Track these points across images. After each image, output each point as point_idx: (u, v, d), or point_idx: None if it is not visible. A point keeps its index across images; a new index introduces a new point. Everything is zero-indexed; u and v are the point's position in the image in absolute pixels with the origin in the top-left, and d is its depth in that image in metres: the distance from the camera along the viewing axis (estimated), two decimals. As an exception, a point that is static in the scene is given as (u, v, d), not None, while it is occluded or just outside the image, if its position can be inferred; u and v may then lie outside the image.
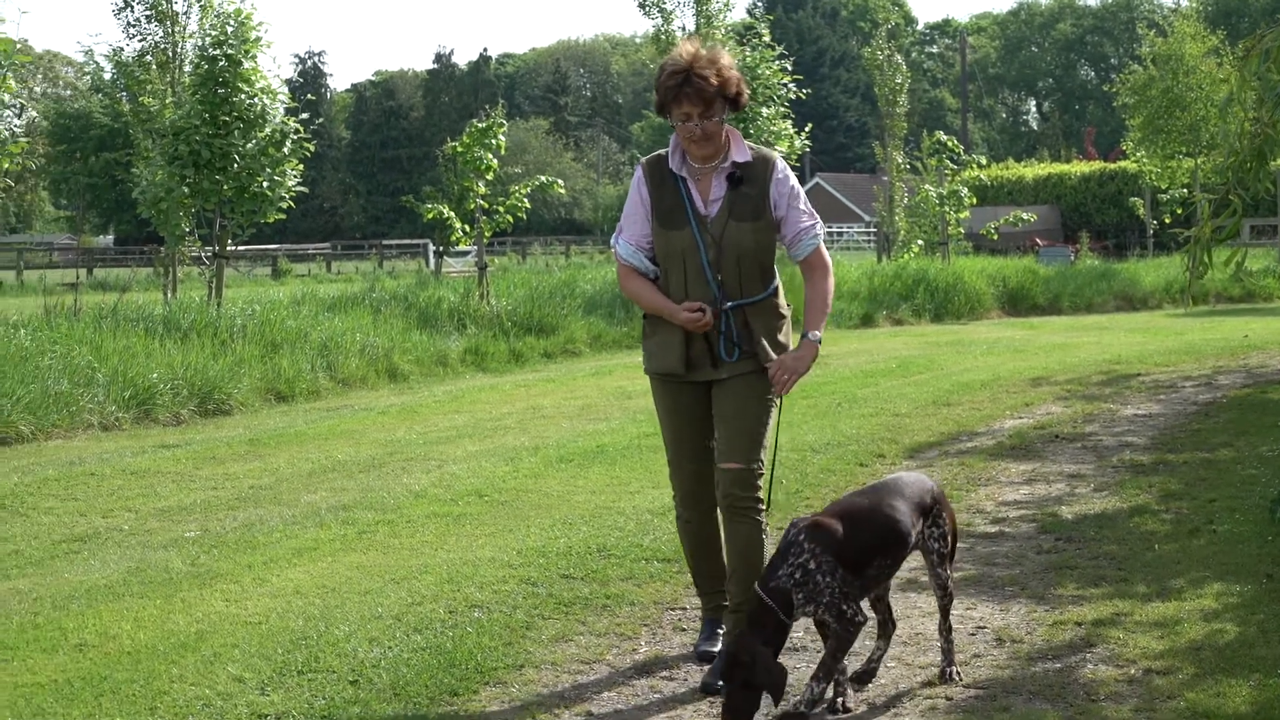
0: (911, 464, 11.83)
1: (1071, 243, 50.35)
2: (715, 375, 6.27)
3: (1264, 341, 21.96)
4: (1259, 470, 10.81)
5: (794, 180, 6.38)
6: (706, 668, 6.36)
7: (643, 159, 6.57)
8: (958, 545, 6.70)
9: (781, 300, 6.47)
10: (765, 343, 6.25)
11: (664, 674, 6.55)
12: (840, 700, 6.02)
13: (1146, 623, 7.14)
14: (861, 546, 5.94)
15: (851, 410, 15.03)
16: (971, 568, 8.44)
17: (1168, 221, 40.19)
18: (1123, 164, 54.99)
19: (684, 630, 7.25)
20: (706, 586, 6.68)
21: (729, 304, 6.22)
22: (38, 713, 6.18)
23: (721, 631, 6.61)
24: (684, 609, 7.62)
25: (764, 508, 6.35)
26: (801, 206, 6.35)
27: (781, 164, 6.37)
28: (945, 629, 6.45)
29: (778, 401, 6.38)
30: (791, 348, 6.37)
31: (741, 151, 6.26)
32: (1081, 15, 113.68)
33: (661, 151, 6.42)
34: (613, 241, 6.61)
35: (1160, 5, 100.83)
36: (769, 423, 6.34)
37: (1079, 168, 65.59)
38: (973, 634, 7.12)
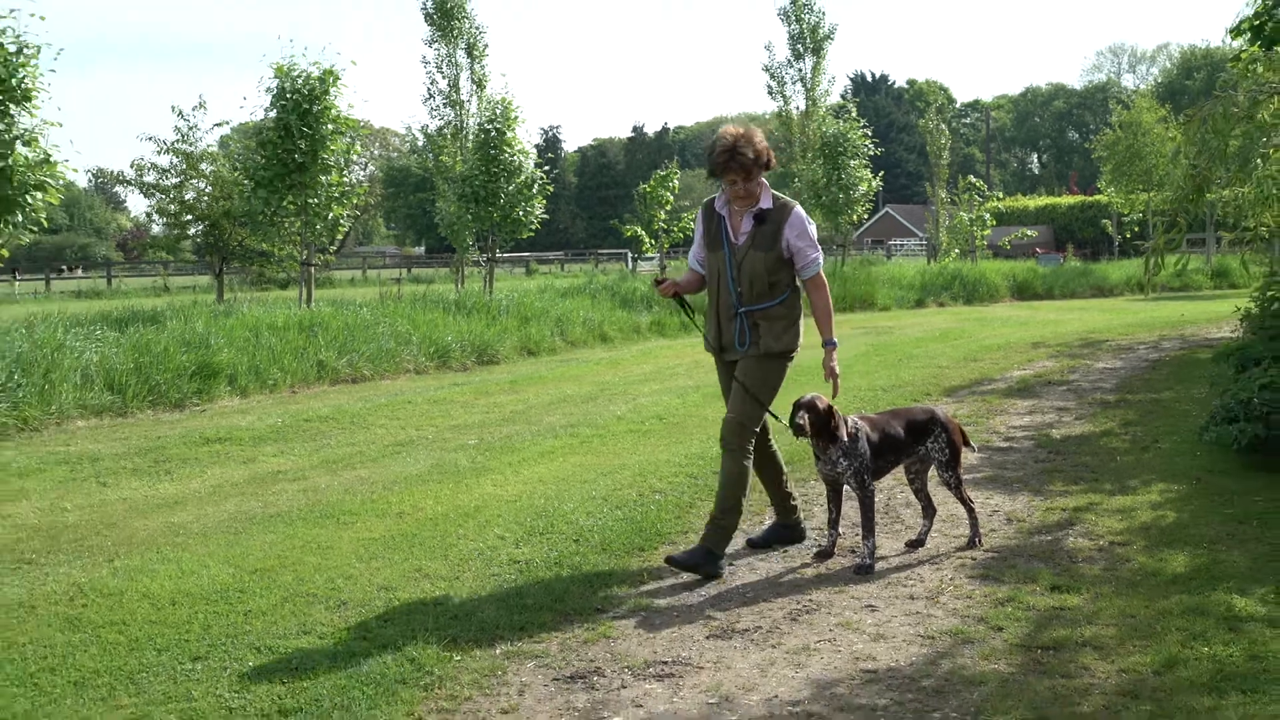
0: (949, 401, 11.64)
1: (1061, 251, 49.50)
2: (735, 357, 6.12)
3: (1195, 318, 21.55)
4: (1191, 407, 10.53)
5: (805, 224, 6.04)
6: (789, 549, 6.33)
7: (704, 201, 6.40)
8: (976, 453, 6.60)
9: (787, 309, 6.08)
10: (767, 338, 6.03)
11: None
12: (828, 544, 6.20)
13: (1111, 510, 6.96)
14: (876, 446, 6.03)
15: (908, 363, 14.85)
16: (990, 470, 8.28)
17: (1127, 236, 39.83)
18: (1097, 197, 53.91)
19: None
20: (774, 503, 6.51)
21: (742, 308, 6.03)
22: (373, 556, 6.28)
23: (781, 527, 6.48)
24: (796, 494, 7.55)
25: (749, 449, 6.05)
26: (807, 243, 6.03)
27: (796, 212, 6.06)
28: (970, 512, 6.37)
29: (778, 382, 6.12)
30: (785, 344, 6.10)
31: (767, 200, 6.05)
32: (1070, 95, 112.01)
33: (713, 196, 6.27)
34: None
35: (1125, 89, 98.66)
36: (762, 391, 6.01)
37: (1067, 200, 64.99)
38: (990, 515, 6.98)
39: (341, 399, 12.85)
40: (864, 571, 5.86)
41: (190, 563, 6.21)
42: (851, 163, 30.09)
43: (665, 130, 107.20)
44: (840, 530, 6.26)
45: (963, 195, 37.91)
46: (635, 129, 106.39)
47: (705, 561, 5.90)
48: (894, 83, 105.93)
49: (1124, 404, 11.20)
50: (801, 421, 5.81)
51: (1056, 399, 11.66)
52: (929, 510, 6.46)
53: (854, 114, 31.60)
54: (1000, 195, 46.89)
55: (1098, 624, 4.98)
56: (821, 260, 6.14)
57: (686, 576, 5.87)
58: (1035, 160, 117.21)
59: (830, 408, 5.89)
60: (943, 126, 40.64)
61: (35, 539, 6.87)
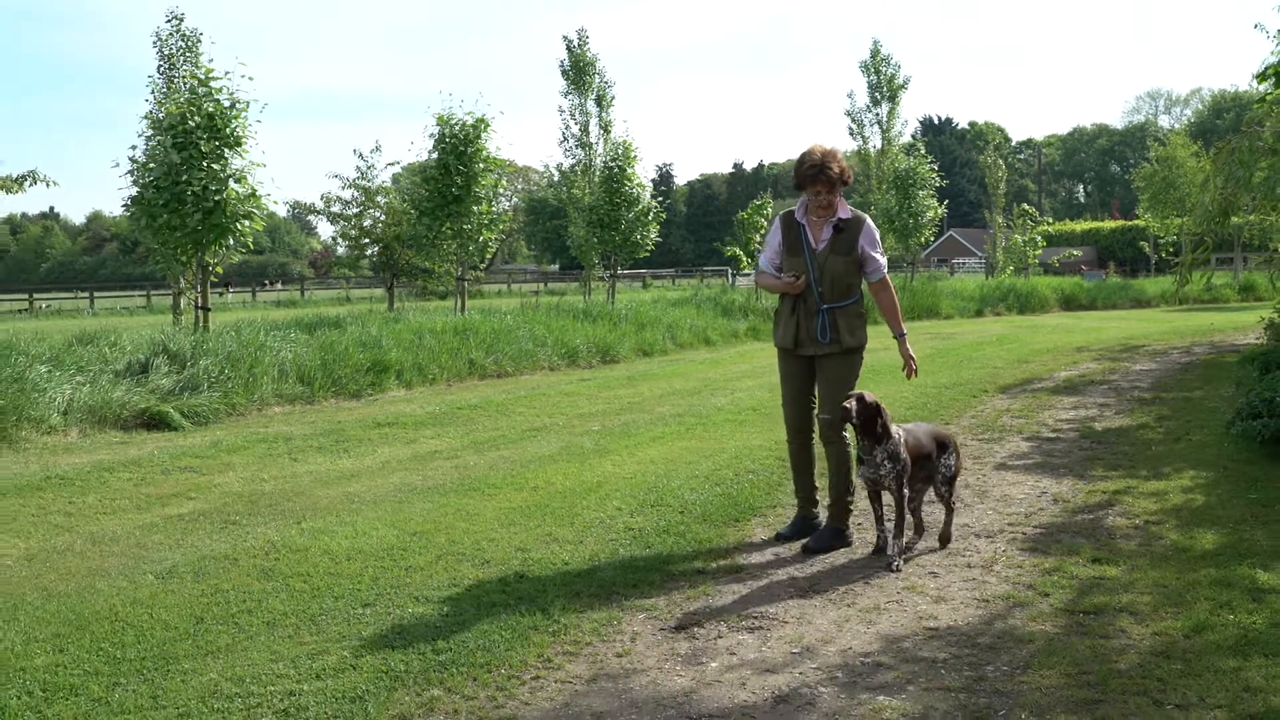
0: (1003, 398, 11.34)
1: (1104, 268, 48.10)
2: (815, 351, 5.84)
3: (1223, 327, 20.72)
4: (1219, 404, 10.10)
5: (875, 234, 5.88)
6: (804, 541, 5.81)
7: (781, 212, 6.18)
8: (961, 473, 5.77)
9: (859, 308, 5.89)
10: (845, 333, 5.80)
11: (855, 514, 6.36)
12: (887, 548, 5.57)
13: (1146, 493, 6.70)
14: (913, 452, 5.60)
15: (968, 365, 14.51)
16: (1039, 458, 8.04)
17: (1163, 255, 38.57)
18: (1136, 221, 52.29)
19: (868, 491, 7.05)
20: (800, 494, 6.04)
21: (824, 305, 5.77)
22: (511, 522, 6.32)
23: (803, 521, 6.01)
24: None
25: (845, 435, 5.80)
26: (877, 252, 5.86)
27: (868, 223, 5.88)
28: (949, 513, 5.80)
29: (858, 373, 5.89)
30: (865, 340, 5.91)
31: (845, 211, 5.85)
32: (1112, 134, 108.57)
33: (792, 207, 6.01)
34: (760, 259, 6.24)
35: (1161, 128, 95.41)
36: (849, 385, 5.77)
37: (1109, 224, 63.08)
38: (1039, 496, 6.77)
39: (488, 391, 12.98)
40: (891, 570, 5.32)
41: (363, 525, 6.31)
42: (920, 193, 29.74)
43: (761, 166, 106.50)
44: (897, 538, 5.53)
45: (1017, 220, 37.11)
46: (735, 165, 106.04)
47: (836, 538, 5.78)
48: (957, 124, 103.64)
49: (1159, 401, 10.79)
50: (849, 406, 5.38)
51: (1098, 396, 11.29)
52: (920, 528, 5.88)
53: (923, 151, 31.15)
54: (1050, 220, 45.70)
55: (1134, 592, 4.79)
56: (886, 265, 5.99)
57: (774, 543, 5.80)
58: (1081, 190, 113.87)
59: (878, 405, 5.45)
60: (999, 161, 39.75)
61: (239, 504, 7.06)
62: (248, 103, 13.90)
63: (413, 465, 8.27)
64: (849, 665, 4.11)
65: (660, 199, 24.33)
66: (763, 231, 25.97)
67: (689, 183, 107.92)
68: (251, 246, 14.53)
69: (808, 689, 3.90)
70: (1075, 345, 17.41)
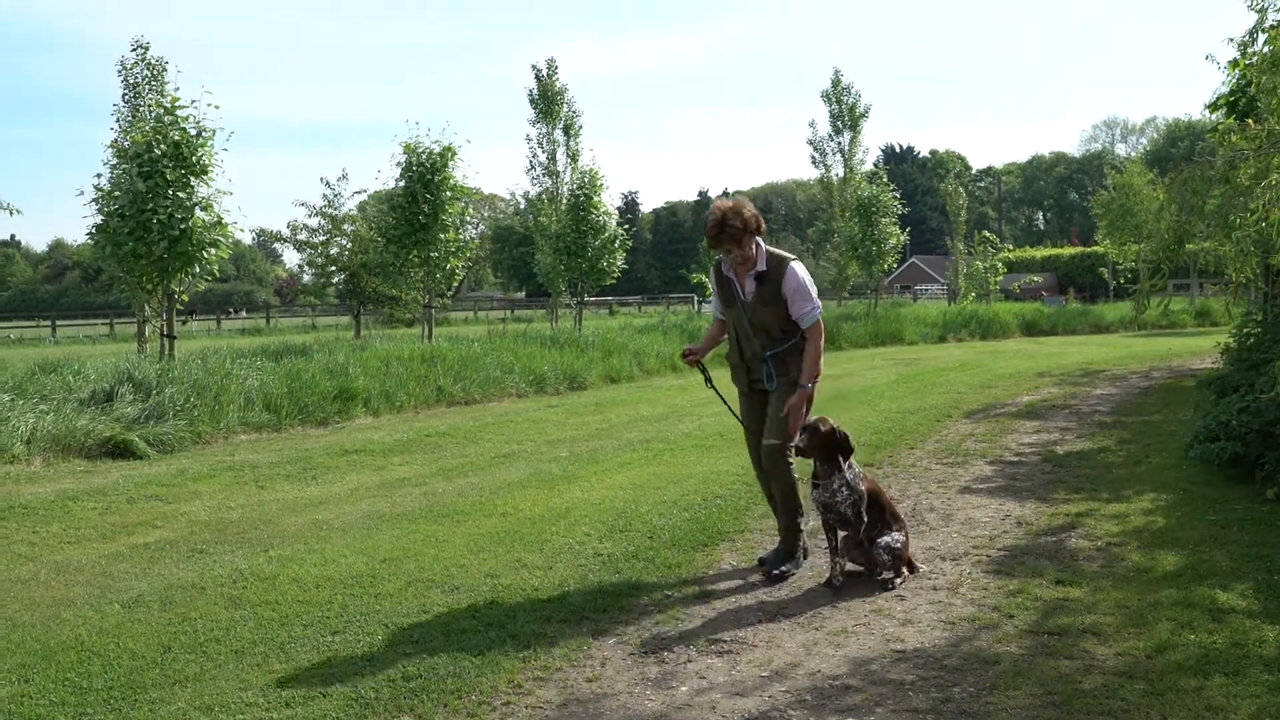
0: (967, 422, 11.45)
1: (1064, 294, 48.69)
2: (768, 387, 5.74)
3: (1181, 352, 21.06)
4: (1177, 428, 10.25)
5: (800, 277, 5.60)
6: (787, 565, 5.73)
7: (713, 264, 6.02)
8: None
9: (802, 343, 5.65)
10: (793, 370, 5.65)
11: (822, 538, 6.39)
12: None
13: (1108, 515, 6.79)
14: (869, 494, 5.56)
15: (931, 389, 14.63)
16: (1002, 481, 8.12)
17: (1121, 281, 38.99)
18: (1095, 248, 52.98)
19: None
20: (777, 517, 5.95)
21: (767, 353, 5.67)
22: (480, 549, 6.29)
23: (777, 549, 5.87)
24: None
25: (788, 463, 5.67)
26: (802, 297, 5.57)
27: (790, 269, 5.61)
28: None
29: (811, 401, 5.63)
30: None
31: (763, 262, 5.61)
32: (1070, 162, 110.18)
33: (720, 258, 5.82)
34: (712, 304, 6.17)
35: (1118, 156, 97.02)
36: (792, 419, 5.58)
37: (1068, 250, 63.96)
38: (1002, 519, 6.83)
39: (456, 418, 12.94)
40: (829, 586, 5.38)
41: (331, 553, 6.27)
42: (883, 220, 29.99)
43: (726, 193, 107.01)
44: (843, 560, 5.51)
45: (978, 247, 37.46)
46: (700, 193, 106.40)
47: (787, 561, 5.74)
48: (919, 153, 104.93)
49: (1119, 425, 10.94)
50: (800, 444, 5.39)
51: (1060, 420, 11.42)
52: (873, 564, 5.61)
53: (885, 179, 31.46)
54: (1010, 247, 46.13)
55: (1097, 613, 4.85)
56: (818, 311, 5.65)
57: (744, 569, 5.82)
58: (1040, 217, 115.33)
59: (833, 432, 5.41)
60: (960, 189, 40.23)
61: (205, 532, 6.99)
62: (214, 131, 13.83)
63: (381, 492, 8.22)
64: (818, 688, 4.13)
65: (626, 226, 24.36)
66: (728, 259, 26.07)
67: (654, 210, 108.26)
68: (217, 274, 14.41)
69: (777, 712, 3.92)
70: (1037, 370, 17.60)
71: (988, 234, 38.22)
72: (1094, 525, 6.54)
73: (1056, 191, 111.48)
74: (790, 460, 5.71)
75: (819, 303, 5.69)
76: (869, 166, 35.82)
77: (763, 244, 5.70)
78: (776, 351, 5.69)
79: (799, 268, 5.68)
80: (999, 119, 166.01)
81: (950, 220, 40.53)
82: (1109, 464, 8.69)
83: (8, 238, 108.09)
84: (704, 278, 26.29)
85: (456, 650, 4.55)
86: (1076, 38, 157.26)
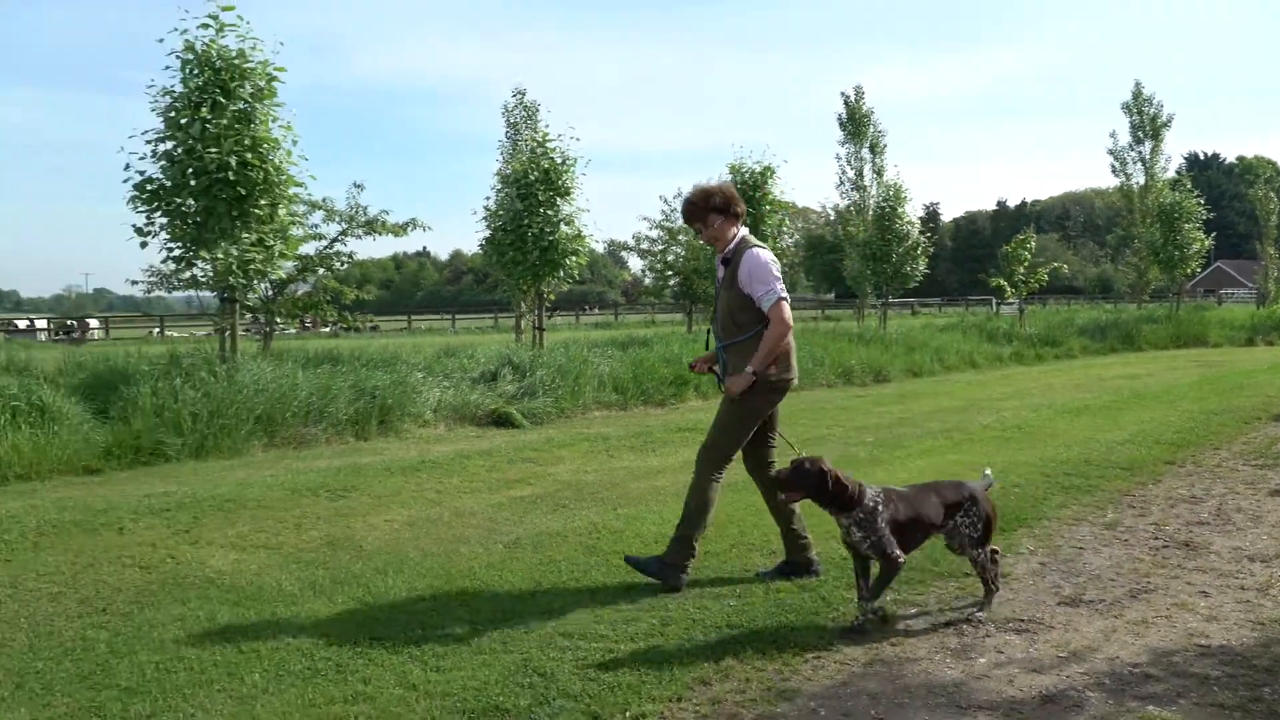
0: (1277, 426, 10.08)
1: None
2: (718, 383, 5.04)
3: None
4: None
5: (760, 260, 4.73)
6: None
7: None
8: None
9: (755, 344, 4.78)
10: (737, 370, 4.82)
11: (1121, 530, 5.87)
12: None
13: None
14: (901, 522, 4.27)
15: (1238, 391, 13.03)
16: (1318, 485, 7.07)
17: None
18: None
19: (1135, 508, 6.47)
20: (782, 533, 5.11)
21: (723, 343, 4.94)
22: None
23: (782, 563, 5.05)
24: (1138, 494, 6.81)
25: (717, 473, 4.90)
26: (756, 280, 4.71)
27: (747, 253, 4.77)
28: (986, 585, 4.52)
29: (759, 414, 4.90)
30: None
31: (729, 247, 4.85)
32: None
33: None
34: None
35: None
36: (731, 422, 4.89)
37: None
38: (1319, 524, 5.95)
39: (772, 403, 12.94)
40: (854, 634, 4.18)
41: (668, 514, 6.44)
42: (1186, 226, 27.15)
43: (1024, 203, 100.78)
44: (872, 600, 4.29)
45: (1290, 250, 32.99)
46: (999, 202, 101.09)
47: (659, 570, 4.86)
48: (1224, 160, 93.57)
49: None
50: (784, 483, 4.39)
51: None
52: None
53: (1189, 186, 28.42)
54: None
55: None
56: (777, 293, 4.72)
57: (1041, 554, 5.44)
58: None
59: (823, 472, 4.24)
60: (1271, 194, 35.48)
61: (567, 490, 7.42)
62: (575, 159, 14.68)
63: (708, 465, 8.36)
64: (1117, 673, 3.78)
65: (928, 234, 23.51)
66: (1025, 264, 24.50)
67: (955, 219, 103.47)
68: (576, 278, 15.28)
69: (1075, 692, 3.62)
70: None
71: (1301, 236, 33.59)
72: None
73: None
74: (720, 478, 4.91)
75: (781, 288, 4.75)
76: (1170, 174, 32.48)
77: (739, 229, 4.94)
78: (734, 342, 4.89)
79: (760, 252, 4.83)
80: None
81: (1260, 225, 35.88)
82: None
83: (420, 249, 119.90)
84: (1002, 281, 24.76)
85: (773, 606, 4.56)
86: None
